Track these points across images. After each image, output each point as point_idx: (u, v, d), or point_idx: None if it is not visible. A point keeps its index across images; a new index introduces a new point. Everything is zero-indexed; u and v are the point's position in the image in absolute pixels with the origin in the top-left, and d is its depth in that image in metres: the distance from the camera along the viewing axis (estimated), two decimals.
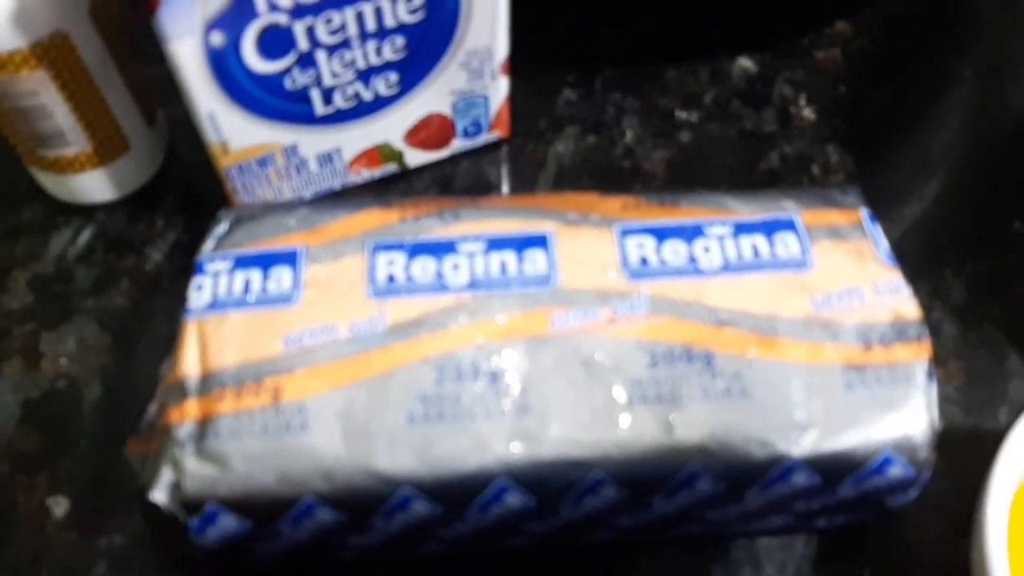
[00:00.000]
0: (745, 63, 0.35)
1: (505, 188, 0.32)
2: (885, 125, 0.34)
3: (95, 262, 0.30)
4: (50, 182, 0.30)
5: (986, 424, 0.27)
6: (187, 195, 0.31)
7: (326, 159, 0.30)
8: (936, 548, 0.25)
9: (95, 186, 0.30)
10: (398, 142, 0.31)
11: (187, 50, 0.25)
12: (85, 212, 0.31)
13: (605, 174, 0.32)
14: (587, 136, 0.33)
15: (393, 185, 0.32)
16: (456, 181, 0.32)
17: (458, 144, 0.32)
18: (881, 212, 0.31)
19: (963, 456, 0.26)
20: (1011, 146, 0.33)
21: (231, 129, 0.27)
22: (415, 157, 0.32)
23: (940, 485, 0.25)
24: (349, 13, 0.26)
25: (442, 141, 0.32)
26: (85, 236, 0.30)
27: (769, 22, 0.36)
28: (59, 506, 0.26)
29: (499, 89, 0.31)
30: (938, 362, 0.28)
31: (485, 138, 0.32)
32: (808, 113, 0.34)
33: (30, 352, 0.28)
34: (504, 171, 0.33)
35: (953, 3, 0.37)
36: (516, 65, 0.30)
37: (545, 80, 0.34)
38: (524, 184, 0.32)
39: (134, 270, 0.30)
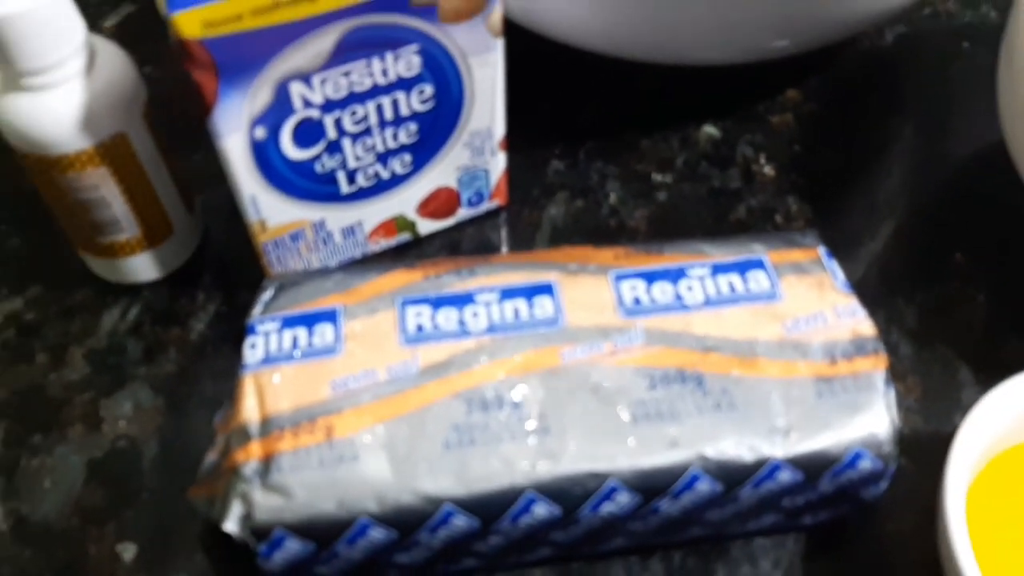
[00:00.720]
0: (710, 130, 0.40)
1: (505, 248, 0.36)
2: (837, 177, 0.38)
3: (144, 334, 0.33)
4: (100, 266, 0.34)
5: (944, 429, 0.31)
6: (222, 271, 0.35)
7: (349, 231, 0.34)
8: (910, 539, 0.28)
9: (142, 267, 0.34)
10: (411, 213, 0.35)
11: (235, 144, 0.29)
12: (132, 291, 0.34)
13: (594, 232, 0.36)
14: (576, 200, 0.38)
15: (407, 251, 0.36)
16: (463, 244, 0.36)
17: (463, 213, 0.36)
18: (838, 252, 0.36)
19: (926, 457, 0.29)
20: (948, 190, 0.38)
21: (269, 209, 0.31)
22: (426, 226, 0.36)
23: (908, 483, 0.29)
24: (371, 106, 0.30)
25: (449, 211, 0.36)
26: (133, 312, 0.34)
27: (728, 93, 0.41)
28: (127, 551, 0.28)
29: (498, 163, 0.35)
30: (897, 378, 0.32)
31: (486, 206, 0.37)
32: (768, 170, 0.39)
33: (91, 418, 0.31)
34: (504, 234, 0.37)
35: (890, 65, 0.42)
36: (510, 141, 0.35)
37: (536, 153, 0.39)
38: (523, 244, 0.36)
39: (180, 340, 0.33)
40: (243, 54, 0.27)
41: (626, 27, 0.35)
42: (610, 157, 0.39)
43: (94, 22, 0.44)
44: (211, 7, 0.25)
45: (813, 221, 0.37)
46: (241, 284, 0.34)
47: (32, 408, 0.31)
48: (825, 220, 0.37)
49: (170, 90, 0.35)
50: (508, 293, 0.29)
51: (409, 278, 0.29)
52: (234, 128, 0.28)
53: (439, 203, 0.35)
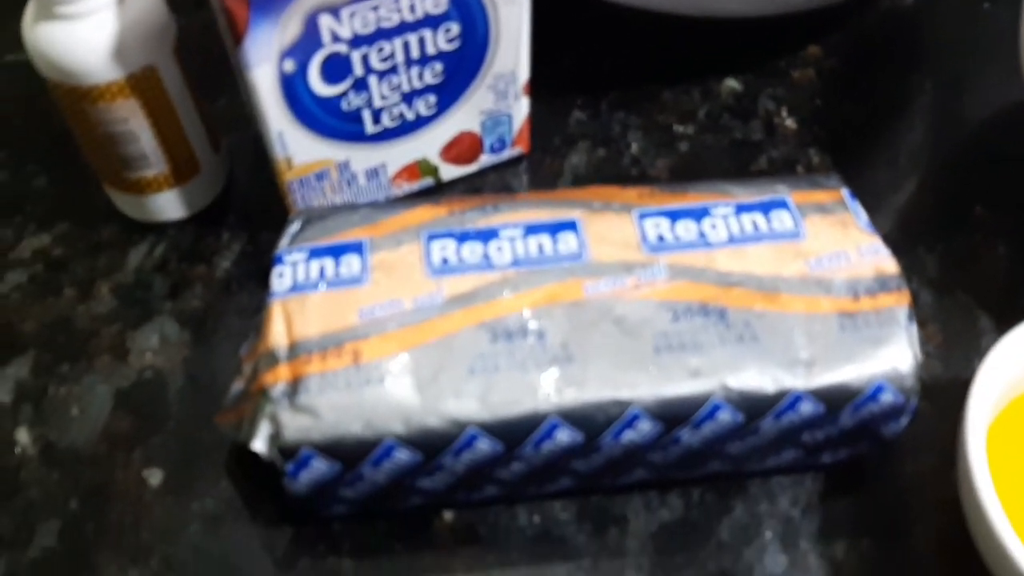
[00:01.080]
0: (732, 83, 0.40)
1: None
2: (858, 131, 0.38)
3: (170, 271, 0.34)
4: (127, 203, 0.34)
5: (963, 375, 0.31)
6: (247, 212, 0.35)
7: (373, 174, 0.34)
8: (929, 480, 0.29)
9: (169, 205, 0.34)
10: (434, 157, 0.35)
11: (264, 76, 0.29)
12: (158, 229, 0.35)
13: (615, 180, 0.37)
14: (597, 149, 0.38)
15: (430, 196, 0.36)
16: (484, 190, 0.36)
17: (485, 159, 0.36)
18: (861, 201, 0.36)
19: (946, 402, 0.30)
20: (969, 146, 0.38)
21: (296, 147, 0.31)
22: (448, 171, 0.36)
23: (928, 426, 0.29)
24: (397, 43, 0.30)
25: (472, 156, 0.36)
26: (160, 249, 0.34)
27: (750, 48, 0.41)
28: (154, 477, 0.29)
29: (521, 109, 0.35)
30: (919, 325, 0.32)
31: (508, 153, 0.37)
32: (790, 123, 0.39)
33: (118, 349, 0.32)
34: (525, 181, 0.37)
35: (910, 25, 0.42)
36: (533, 91, 0.35)
37: (558, 103, 0.39)
38: (545, 191, 0.36)
39: (205, 277, 0.34)
40: None
41: None
42: (632, 108, 0.39)
43: None
44: None
45: (834, 172, 0.37)
46: (266, 225, 0.35)
47: (60, 339, 0.32)
48: (846, 172, 0.37)
49: (198, 37, 0.35)
50: (532, 229, 0.29)
51: (434, 213, 0.30)
52: (264, 59, 0.28)
53: (462, 148, 0.35)
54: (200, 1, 0.30)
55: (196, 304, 0.33)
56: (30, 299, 0.33)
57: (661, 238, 0.28)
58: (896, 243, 0.34)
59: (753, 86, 0.40)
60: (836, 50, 0.41)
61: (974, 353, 0.32)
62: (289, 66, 0.29)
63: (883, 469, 0.29)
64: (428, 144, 0.34)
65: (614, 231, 0.29)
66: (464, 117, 0.34)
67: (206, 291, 0.33)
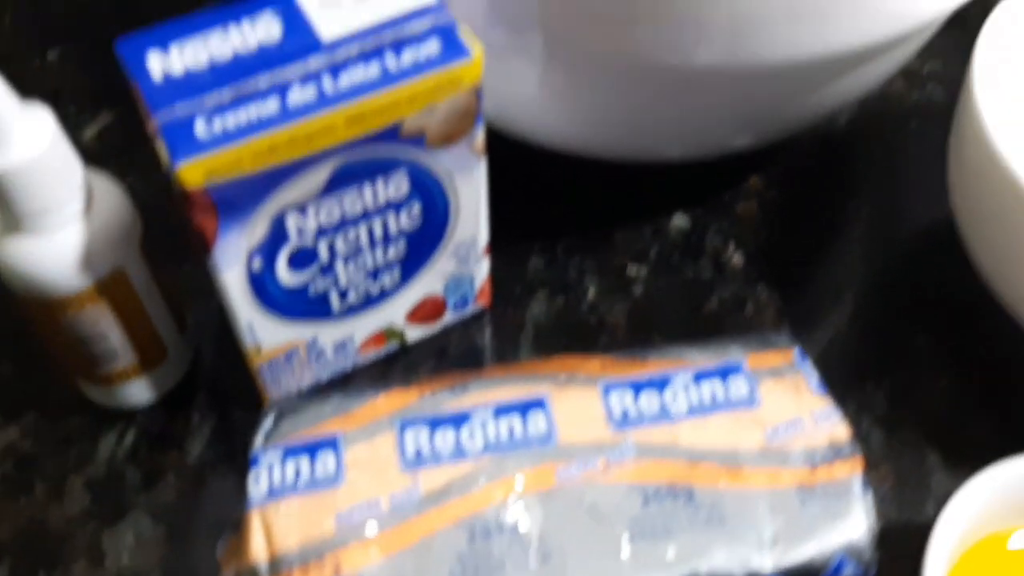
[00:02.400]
0: (679, 220, 0.42)
1: (491, 351, 0.37)
2: (801, 263, 0.40)
3: (141, 460, 0.34)
4: (94, 392, 0.34)
5: (917, 518, 0.32)
6: (215, 390, 0.36)
7: (341, 346, 0.35)
8: None
9: (137, 392, 0.34)
10: (400, 323, 0.36)
11: (234, 277, 0.29)
12: (126, 415, 0.35)
13: (575, 330, 0.38)
14: (556, 297, 0.39)
15: (396, 359, 0.37)
16: (450, 349, 0.37)
17: (449, 317, 0.37)
18: (808, 338, 0.38)
19: (900, 547, 0.31)
20: (904, 270, 0.40)
21: (265, 333, 0.32)
22: (414, 332, 0.37)
23: (886, 572, 0.31)
24: (362, 228, 0.31)
25: (436, 316, 0.37)
26: (130, 437, 0.34)
27: (695, 182, 0.43)
28: None
29: (482, 268, 0.36)
30: (871, 466, 0.34)
31: (471, 309, 0.38)
32: (737, 259, 0.40)
33: (94, 551, 0.31)
34: (488, 336, 0.38)
35: (844, 151, 0.45)
36: (491, 242, 0.36)
37: (515, 250, 0.40)
38: (508, 346, 0.37)
39: (178, 463, 0.34)
40: (243, 194, 0.28)
41: (598, 133, 0.37)
42: (587, 251, 0.40)
43: (74, 132, 0.45)
44: (213, 156, 0.26)
45: (782, 310, 0.38)
46: (235, 401, 0.35)
47: (35, 545, 0.32)
48: (793, 307, 0.38)
49: (155, 201, 0.35)
50: (502, 410, 0.30)
51: (405, 399, 0.30)
52: (233, 263, 0.29)
53: (426, 310, 0.36)
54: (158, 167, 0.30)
55: (170, 496, 0.33)
56: (2, 501, 0.33)
57: (626, 413, 0.30)
58: (845, 379, 0.36)
59: (700, 222, 0.42)
60: (776, 180, 0.43)
61: (926, 492, 0.33)
62: (257, 264, 0.30)
63: None
64: (393, 311, 0.35)
65: (581, 408, 0.30)
66: (427, 283, 0.35)
67: (179, 481, 0.33)
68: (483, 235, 0.35)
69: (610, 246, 0.41)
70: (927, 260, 0.40)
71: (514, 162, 0.42)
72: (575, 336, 0.38)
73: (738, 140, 0.38)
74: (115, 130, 0.45)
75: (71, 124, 0.45)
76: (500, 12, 0.30)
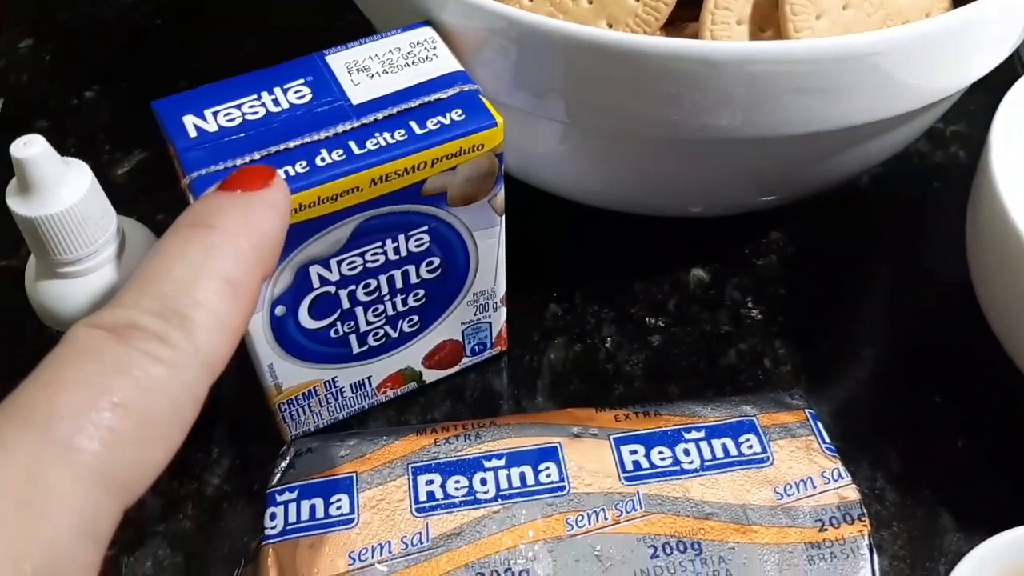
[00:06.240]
0: (699, 273, 0.42)
1: (508, 395, 0.38)
2: (819, 320, 0.40)
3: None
4: None
5: None
6: (233, 426, 0.37)
7: (359, 385, 0.36)
8: None
9: None
10: (418, 365, 0.37)
11: (257, 323, 0.30)
12: None
13: (592, 377, 0.38)
14: (574, 345, 0.40)
15: (413, 399, 0.37)
16: (466, 392, 0.38)
17: (466, 361, 0.38)
18: (823, 395, 0.38)
19: None
20: (923, 330, 0.40)
21: (285, 374, 0.33)
22: (431, 375, 0.37)
23: None
24: (383, 278, 0.32)
25: (454, 360, 0.38)
26: None
27: (716, 236, 0.43)
28: None
29: (500, 316, 0.37)
30: (884, 525, 0.34)
31: (489, 353, 0.38)
32: (755, 313, 0.41)
33: None
34: (505, 379, 0.38)
35: (866, 209, 0.45)
36: (510, 283, 0.37)
37: (534, 297, 0.41)
38: (525, 390, 0.38)
39: (196, 495, 0.34)
40: None
41: (618, 191, 0.38)
42: (605, 301, 0.41)
43: (107, 169, 0.46)
44: None
45: (799, 365, 0.39)
46: (254, 435, 0.36)
47: None
48: (810, 363, 0.39)
49: None
50: (515, 459, 0.30)
51: (420, 444, 0.31)
52: (256, 310, 0.30)
53: (444, 354, 0.37)
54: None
55: (188, 525, 0.34)
56: None
57: (638, 466, 0.30)
58: (860, 436, 0.36)
59: (720, 275, 0.42)
60: (797, 236, 0.44)
61: (937, 553, 0.33)
62: (280, 311, 0.31)
63: None
64: (412, 355, 0.36)
65: (593, 459, 0.30)
66: (446, 329, 0.36)
67: (197, 510, 0.34)
68: (501, 286, 0.36)
69: (629, 296, 0.41)
70: (946, 320, 0.40)
71: (535, 210, 0.43)
72: (592, 383, 0.38)
73: (759, 201, 0.39)
74: (148, 168, 0.47)
75: (105, 161, 0.47)
76: (524, 79, 0.31)
